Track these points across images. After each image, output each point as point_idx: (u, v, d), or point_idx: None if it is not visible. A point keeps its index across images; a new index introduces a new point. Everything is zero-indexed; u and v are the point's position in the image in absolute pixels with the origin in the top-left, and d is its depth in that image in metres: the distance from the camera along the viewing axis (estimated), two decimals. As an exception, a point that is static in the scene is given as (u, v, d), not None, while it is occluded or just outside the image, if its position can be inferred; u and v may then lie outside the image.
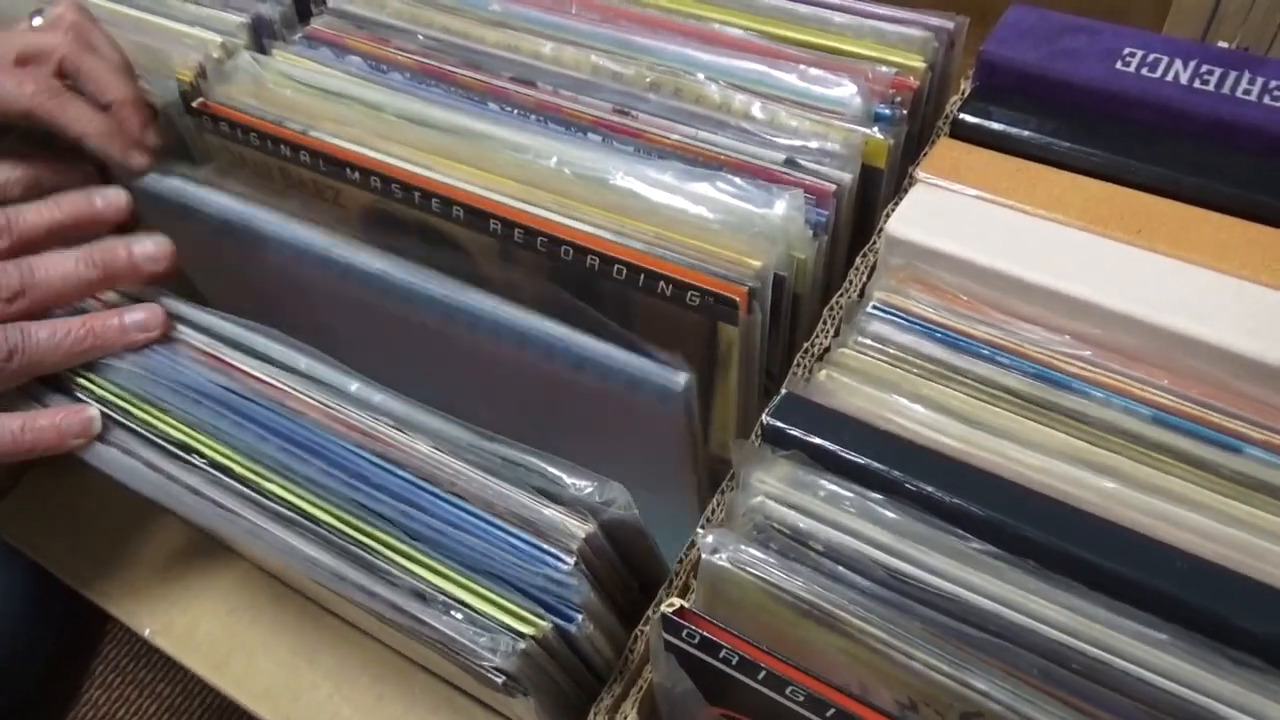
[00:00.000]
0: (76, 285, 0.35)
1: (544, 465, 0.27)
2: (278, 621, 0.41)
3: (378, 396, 0.30)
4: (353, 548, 0.27)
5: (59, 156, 0.39)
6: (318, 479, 0.29)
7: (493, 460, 0.28)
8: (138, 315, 0.35)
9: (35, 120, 0.37)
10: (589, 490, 0.27)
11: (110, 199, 0.37)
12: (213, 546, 0.43)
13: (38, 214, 0.35)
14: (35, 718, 0.70)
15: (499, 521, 0.27)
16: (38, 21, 0.40)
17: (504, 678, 0.25)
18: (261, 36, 0.51)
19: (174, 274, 0.37)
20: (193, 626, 0.41)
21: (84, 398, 0.34)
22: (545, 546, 0.26)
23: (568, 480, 0.27)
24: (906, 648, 0.26)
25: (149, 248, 0.36)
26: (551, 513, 0.27)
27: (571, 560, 0.26)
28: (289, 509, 0.29)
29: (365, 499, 0.28)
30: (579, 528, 0.26)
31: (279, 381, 0.31)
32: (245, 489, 0.29)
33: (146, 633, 0.41)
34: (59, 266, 0.34)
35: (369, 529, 0.28)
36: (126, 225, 0.38)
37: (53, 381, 0.34)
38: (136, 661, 0.73)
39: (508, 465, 0.28)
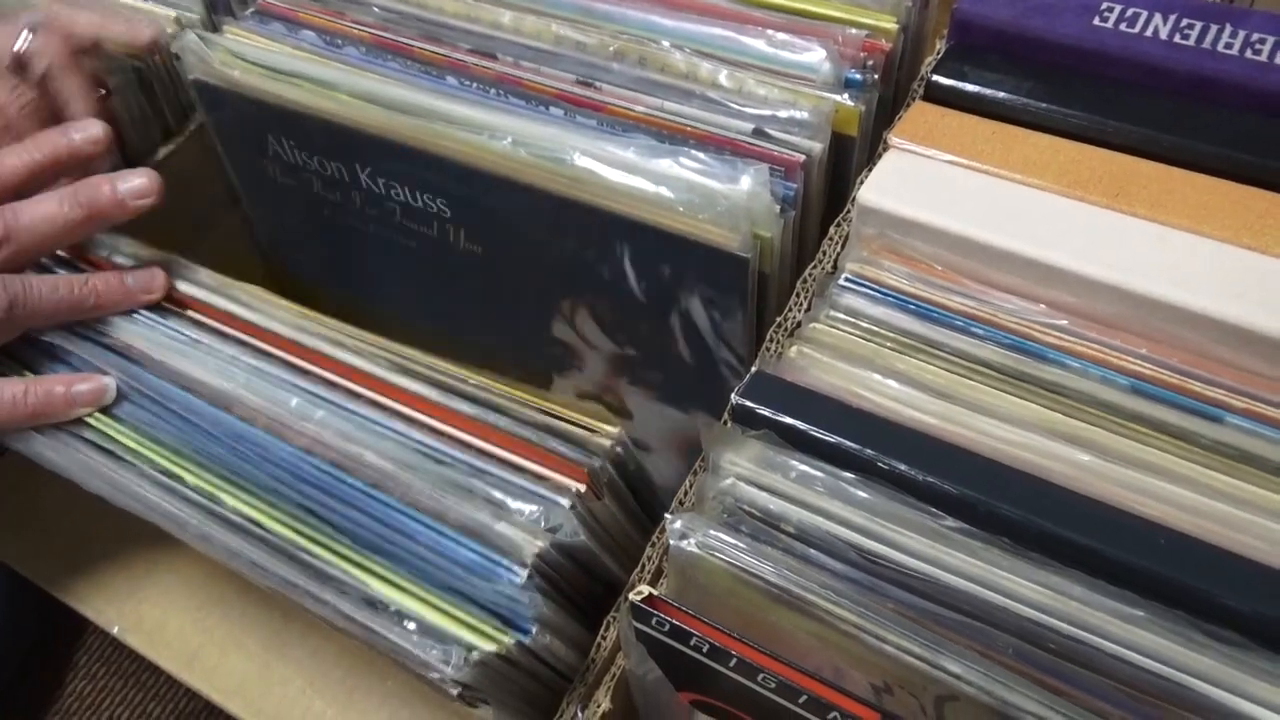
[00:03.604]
0: (63, 226, 0.34)
1: (488, 489, 0.26)
2: (247, 616, 0.40)
3: (319, 413, 0.29)
4: (302, 555, 0.27)
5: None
6: (267, 484, 0.28)
7: (439, 481, 0.27)
8: (140, 278, 0.34)
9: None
10: (533, 516, 0.26)
11: (88, 131, 0.36)
12: (179, 541, 0.42)
13: (15, 156, 0.35)
14: (15, 711, 0.69)
15: (451, 532, 0.26)
16: (21, 42, 0.39)
17: (459, 689, 0.25)
18: (216, 9, 0.49)
19: (162, 205, 0.35)
20: (161, 623, 0.40)
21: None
22: (498, 558, 0.25)
23: (511, 505, 0.26)
24: (879, 631, 0.25)
25: (135, 182, 0.35)
26: (504, 525, 0.26)
27: (524, 573, 0.25)
28: (238, 515, 0.28)
29: (315, 505, 0.27)
30: (532, 540, 0.25)
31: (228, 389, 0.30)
32: (196, 495, 0.28)
33: (115, 630, 0.40)
34: (42, 208, 0.33)
35: (318, 536, 0.27)
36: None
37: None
38: (120, 650, 0.72)
39: (453, 487, 0.27)
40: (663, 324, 0.37)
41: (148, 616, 0.40)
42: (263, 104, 0.41)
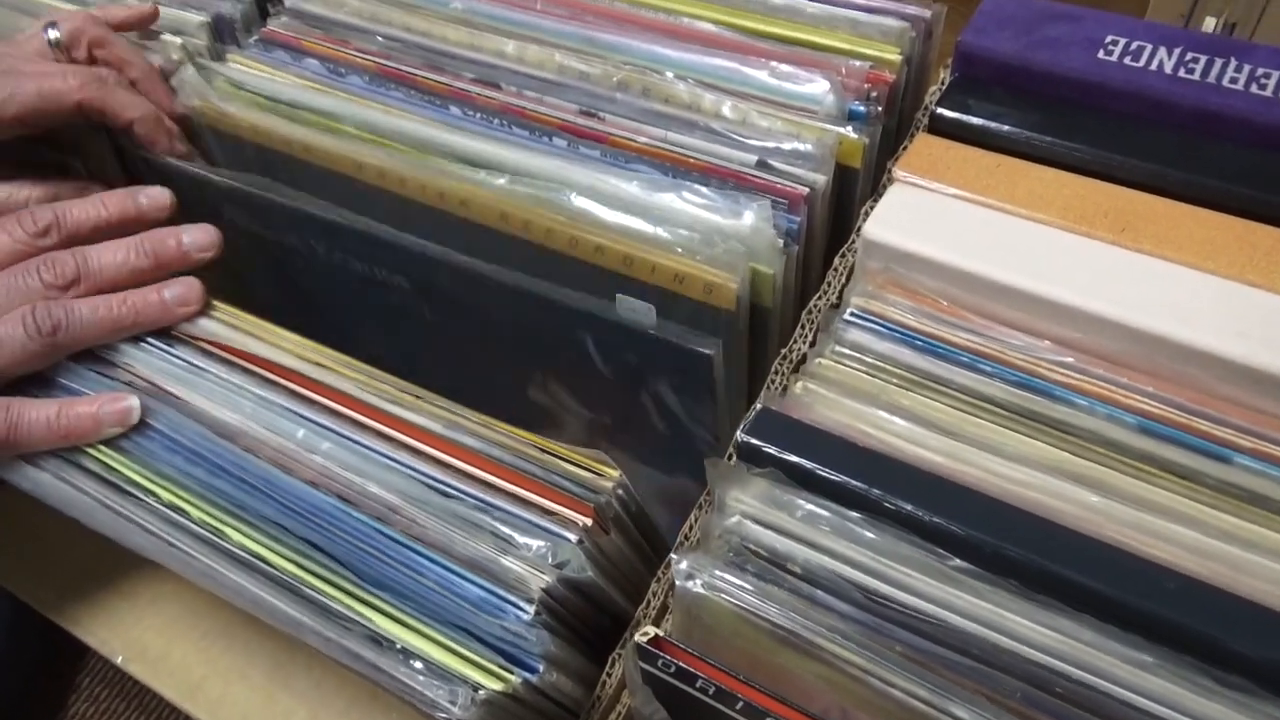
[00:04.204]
0: (130, 273, 0.35)
1: (495, 524, 0.26)
2: (252, 646, 0.40)
3: (325, 445, 0.29)
4: (306, 590, 0.26)
5: (71, 177, 0.41)
6: (272, 517, 0.28)
7: (445, 515, 0.27)
8: (177, 290, 0.35)
9: (85, 111, 0.38)
10: (541, 551, 0.26)
11: (154, 197, 0.38)
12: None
13: (84, 211, 0.36)
14: (20, 734, 0.69)
15: (458, 567, 0.26)
16: (53, 34, 0.40)
17: (465, 729, 0.25)
18: (223, 36, 0.49)
19: (221, 259, 0.37)
20: (165, 652, 0.40)
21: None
22: (505, 595, 0.25)
23: (518, 541, 0.26)
24: (886, 674, 0.25)
25: (198, 236, 0.37)
26: (510, 561, 0.26)
27: (531, 609, 0.25)
28: (242, 549, 0.27)
29: (320, 540, 0.27)
30: (539, 576, 0.25)
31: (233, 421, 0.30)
32: (199, 529, 0.28)
33: (119, 660, 0.40)
34: (113, 255, 0.35)
35: (323, 571, 0.27)
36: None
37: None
38: (123, 673, 0.72)
39: (459, 521, 0.27)
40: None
41: (151, 645, 0.40)
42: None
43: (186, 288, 0.35)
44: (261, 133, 0.42)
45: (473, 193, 0.37)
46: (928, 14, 0.40)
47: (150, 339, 0.34)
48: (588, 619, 0.28)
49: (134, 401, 0.32)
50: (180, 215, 0.39)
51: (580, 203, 0.35)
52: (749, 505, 0.29)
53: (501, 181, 0.36)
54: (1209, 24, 0.59)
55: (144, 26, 0.46)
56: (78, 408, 0.32)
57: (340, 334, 0.43)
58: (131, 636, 0.40)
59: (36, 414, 0.31)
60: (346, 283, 0.43)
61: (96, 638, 0.40)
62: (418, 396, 0.30)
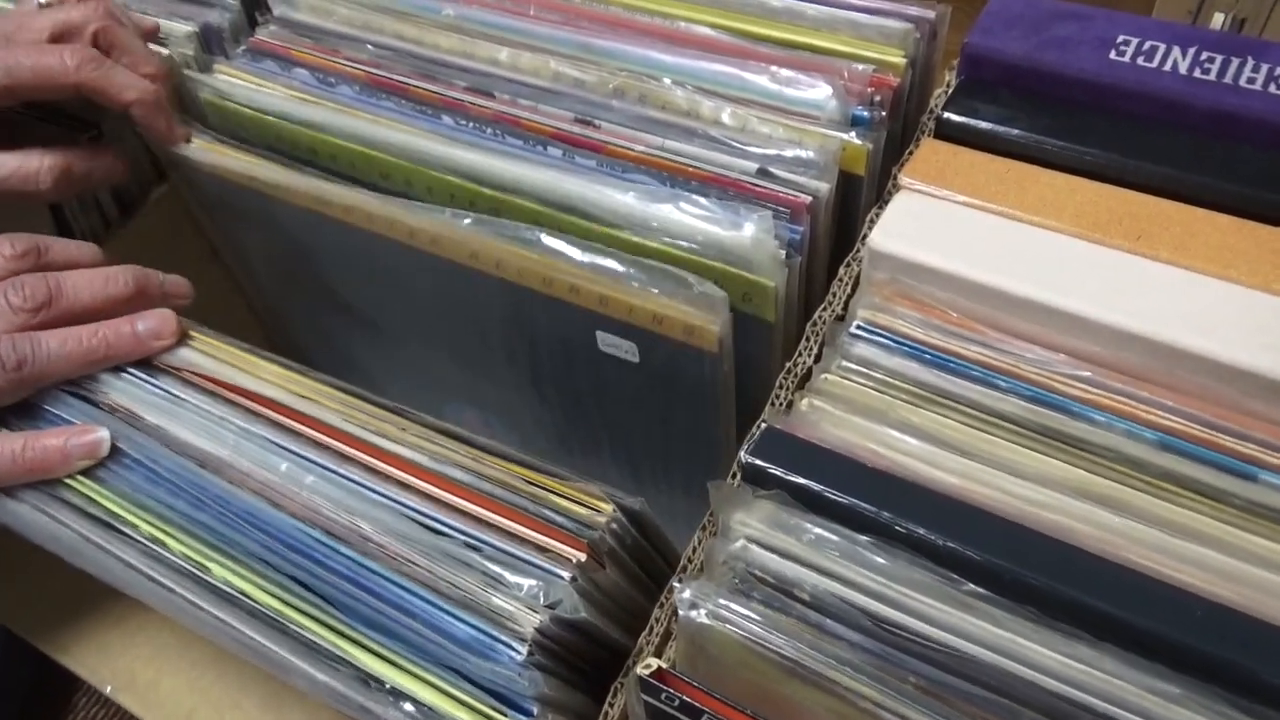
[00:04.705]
0: (106, 301, 0.34)
1: (485, 563, 0.25)
2: (244, 675, 0.39)
3: (309, 478, 0.27)
4: (292, 628, 0.25)
5: (81, 142, 0.40)
6: (256, 552, 0.27)
7: (434, 552, 0.26)
8: (151, 323, 0.33)
9: (84, 92, 0.37)
10: (533, 591, 0.24)
11: (150, 325, 0.34)
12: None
13: (67, 249, 0.35)
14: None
15: (448, 606, 0.25)
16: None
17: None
18: (211, 47, 0.48)
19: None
20: (155, 681, 0.39)
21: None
22: (496, 635, 0.24)
23: (509, 580, 0.25)
24: (898, 707, 0.24)
25: (151, 322, 0.34)
26: (501, 599, 0.25)
27: (524, 650, 0.24)
28: (226, 585, 0.26)
29: (306, 576, 0.26)
30: (531, 616, 0.24)
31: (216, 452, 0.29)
32: (182, 563, 0.27)
33: (108, 690, 0.39)
34: (89, 281, 0.33)
35: (309, 609, 0.26)
36: None
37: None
38: (120, 694, 0.71)
39: (448, 559, 0.25)
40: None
41: (141, 675, 0.39)
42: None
43: (160, 320, 0.34)
44: (220, 171, 0.41)
45: (442, 230, 0.36)
46: (932, 15, 0.39)
47: (130, 369, 0.33)
48: (585, 654, 0.27)
49: (103, 434, 0.31)
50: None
51: (551, 242, 0.34)
52: (754, 529, 0.28)
53: (467, 222, 0.35)
54: (1218, 20, 0.58)
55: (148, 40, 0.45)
56: (44, 440, 0.30)
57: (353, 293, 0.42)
58: (120, 665, 0.39)
59: (1, 448, 0.30)
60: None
61: (85, 666, 0.39)
62: (403, 429, 0.29)
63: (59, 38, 0.38)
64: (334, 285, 0.46)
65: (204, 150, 0.42)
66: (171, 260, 0.38)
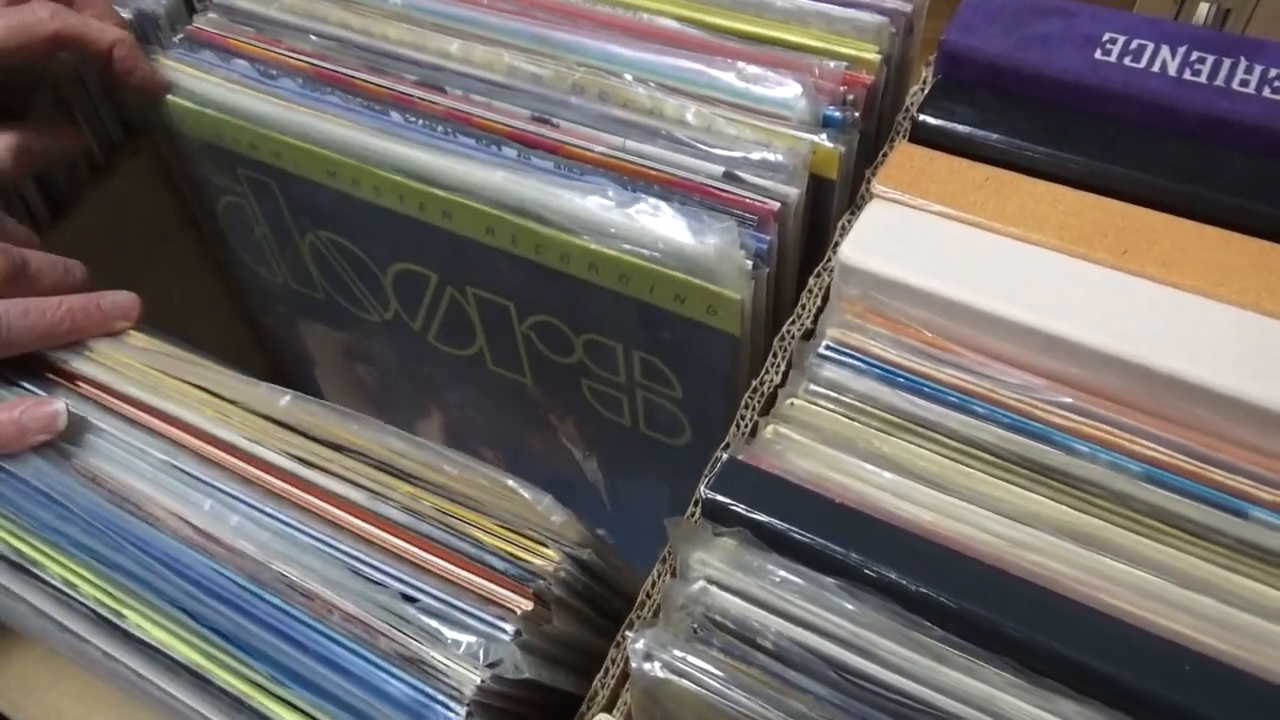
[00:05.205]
0: (66, 278, 0.33)
1: (420, 616, 0.23)
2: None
3: (234, 518, 0.25)
4: (213, 684, 0.23)
5: (39, 119, 0.39)
6: (175, 598, 0.24)
7: (367, 602, 0.24)
8: (118, 299, 0.33)
9: (63, 40, 0.36)
10: (472, 648, 0.22)
11: (118, 302, 0.33)
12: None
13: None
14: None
15: (382, 661, 0.23)
16: None
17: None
18: (147, 35, 0.45)
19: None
20: (84, 719, 0.37)
21: None
22: (433, 693, 0.22)
23: (447, 635, 0.23)
24: (868, 769, 0.23)
25: (118, 299, 0.34)
26: (438, 656, 0.22)
27: (463, 711, 0.22)
28: (142, 634, 0.24)
29: (228, 627, 0.24)
30: (472, 674, 0.22)
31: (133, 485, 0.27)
32: (95, 608, 0.25)
33: (36, 726, 0.37)
34: (52, 262, 0.33)
35: (232, 662, 0.23)
36: None
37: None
38: None
39: (382, 610, 0.23)
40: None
41: (69, 713, 0.37)
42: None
43: (128, 300, 0.33)
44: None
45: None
46: (908, 8, 0.37)
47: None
48: (533, 703, 0.25)
49: (60, 405, 0.29)
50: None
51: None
52: (714, 569, 0.26)
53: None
54: (1202, 11, 0.56)
55: None
56: None
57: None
58: (47, 701, 0.37)
59: None
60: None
61: (8, 701, 0.37)
62: (341, 462, 0.27)
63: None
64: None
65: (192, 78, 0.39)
66: (141, 225, 0.36)
